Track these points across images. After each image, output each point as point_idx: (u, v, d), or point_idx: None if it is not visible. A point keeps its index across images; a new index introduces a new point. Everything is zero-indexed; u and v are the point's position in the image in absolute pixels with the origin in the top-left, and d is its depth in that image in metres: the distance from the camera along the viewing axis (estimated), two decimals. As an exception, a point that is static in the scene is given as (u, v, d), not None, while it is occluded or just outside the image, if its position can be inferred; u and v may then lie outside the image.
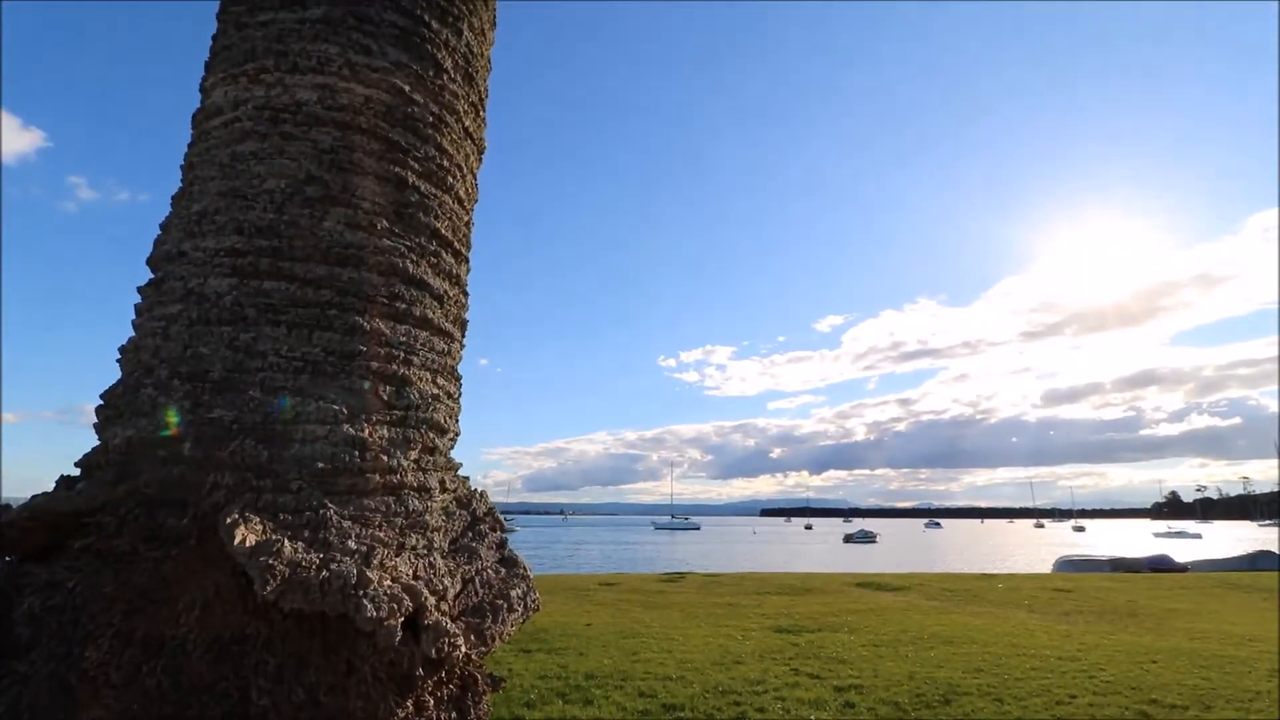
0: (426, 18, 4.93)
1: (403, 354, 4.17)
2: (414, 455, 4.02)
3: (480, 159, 5.75)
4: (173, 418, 3.60)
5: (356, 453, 3.64)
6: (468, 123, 5.34)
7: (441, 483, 4.31)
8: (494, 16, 6.12)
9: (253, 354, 3.71)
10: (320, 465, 3.50)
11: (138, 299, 4.33)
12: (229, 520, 3.05)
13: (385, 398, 3.97)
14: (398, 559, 3.55)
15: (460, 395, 4.89)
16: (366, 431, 3.75)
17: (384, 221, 4.30)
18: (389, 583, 3.25)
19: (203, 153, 4.40)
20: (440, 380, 4.55)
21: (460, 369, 5.29)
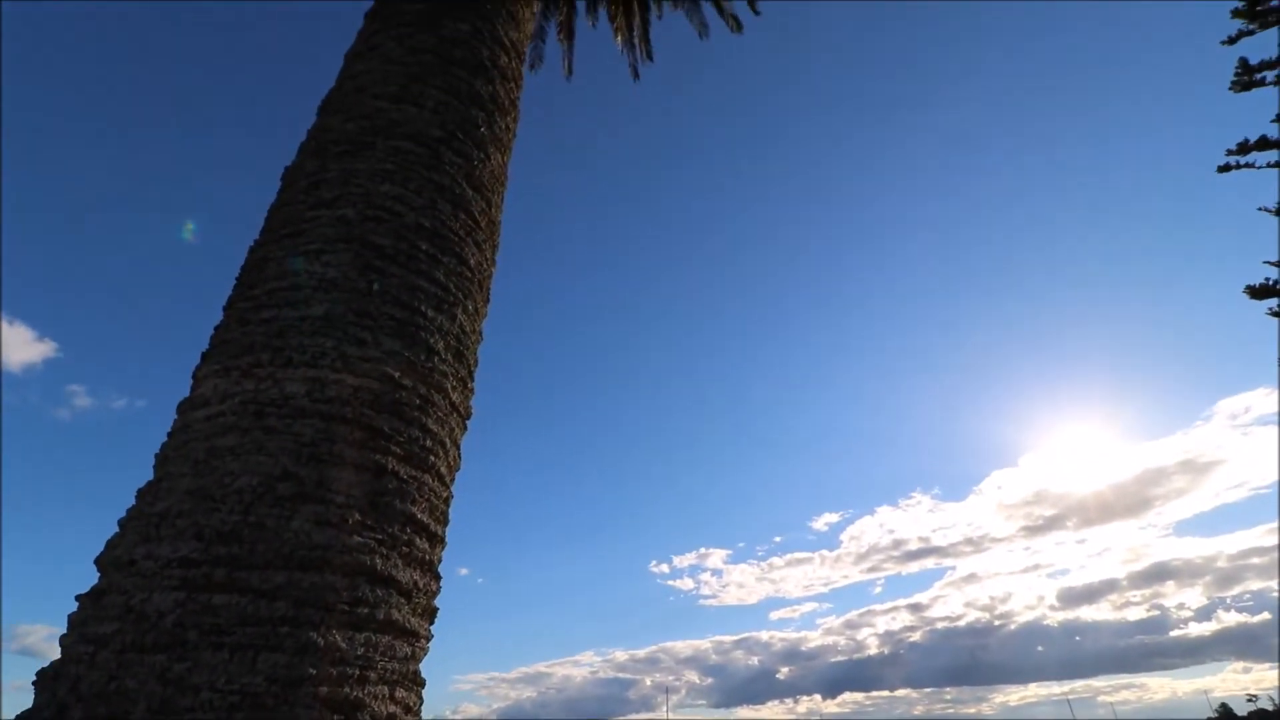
0: (423, 308, 5.28)
1: (358, 670, 3.71)
2: (356, 810, 3.37)
3: (465, 427, 5.80)
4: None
5: (284, 823, 3.03)
6: (455, 397, 5.46)
7: (387, 838, 3.56)
8: (488, 294, 6.63)
9: (184, 688, 3.26)
10: None
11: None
12: None
13: (331, 734, 3.43)
14: None
15: (421, 704, 4.30)
16: (301, 789, 3.16)
17: (356, 515, 4.13)
18: None
19: (180, 445, 4.36)
20: (399, 692, 4.02)
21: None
